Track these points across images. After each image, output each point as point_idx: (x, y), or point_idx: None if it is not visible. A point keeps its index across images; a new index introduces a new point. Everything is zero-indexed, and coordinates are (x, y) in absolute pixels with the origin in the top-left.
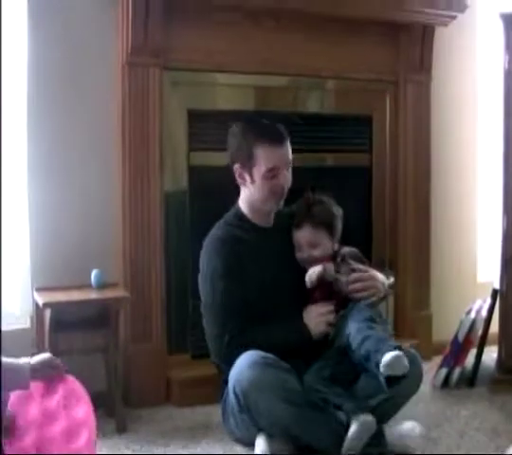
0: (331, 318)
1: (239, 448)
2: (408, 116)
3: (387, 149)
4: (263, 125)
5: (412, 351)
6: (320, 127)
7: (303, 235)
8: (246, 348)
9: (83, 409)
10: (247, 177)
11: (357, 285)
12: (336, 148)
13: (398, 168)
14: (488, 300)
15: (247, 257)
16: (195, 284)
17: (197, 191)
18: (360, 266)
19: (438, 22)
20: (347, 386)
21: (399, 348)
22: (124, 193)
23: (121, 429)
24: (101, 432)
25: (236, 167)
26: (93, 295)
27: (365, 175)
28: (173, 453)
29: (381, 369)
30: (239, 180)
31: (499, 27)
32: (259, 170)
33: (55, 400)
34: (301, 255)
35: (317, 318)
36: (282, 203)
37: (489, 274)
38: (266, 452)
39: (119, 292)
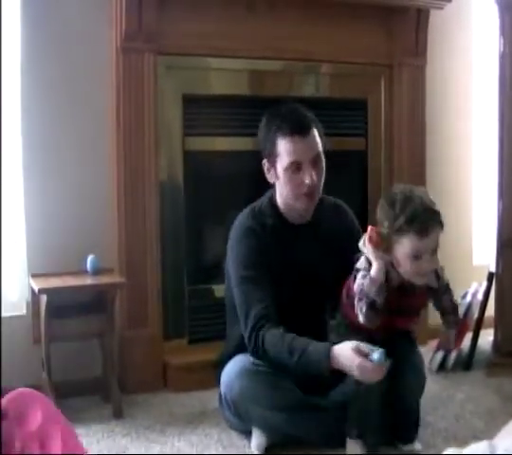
0: None
1: (235, 435)
2: (403, 99)
3: (382, 133)
4: (284, 113)
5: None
6: (314, 111)
7: (431, 241)
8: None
9: None
10: (273, 173)
11: None
12: (331, 132)
13: (393, 152)
14: (484, 284)
15: (274, 252)
16: (191, 269)
17: (192, 175)
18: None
19: (433, 5)
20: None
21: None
22: (119, 179)
23: (118, 415)
24: (98, 418)
25: (264, 162)
26: (89, 280)
27: (360, 160)
28: (169, 439)
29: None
30: (268, 177)
31: (494, 11)
32: (281, 164)
33: None
34: (421, 265)
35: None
36: (315, 202)
37: (485, 257)
38: (263, 443)
39: (115, 277)
